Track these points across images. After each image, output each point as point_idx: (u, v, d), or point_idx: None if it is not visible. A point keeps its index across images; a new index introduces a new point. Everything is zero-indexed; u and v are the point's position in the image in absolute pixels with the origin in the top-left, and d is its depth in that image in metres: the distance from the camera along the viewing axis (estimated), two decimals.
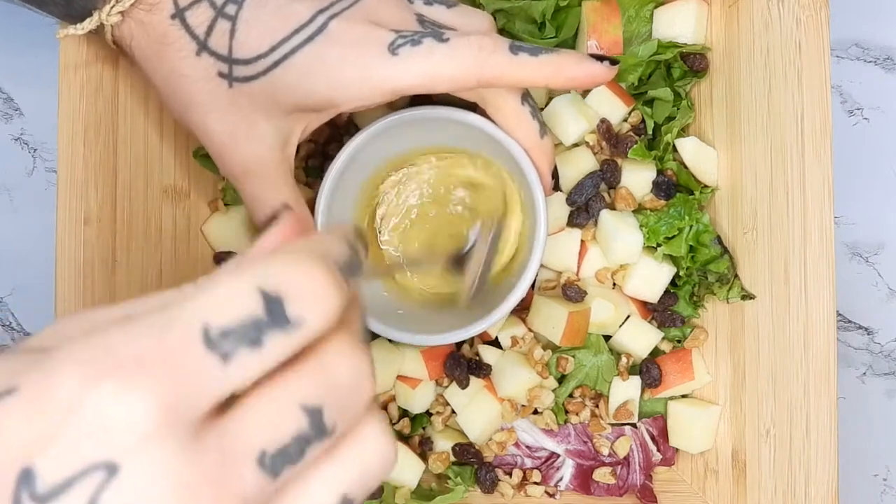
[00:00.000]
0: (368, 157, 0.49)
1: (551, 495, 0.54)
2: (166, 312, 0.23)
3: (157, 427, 0.22)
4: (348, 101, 0.43)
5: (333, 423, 0.24)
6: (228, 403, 0.23)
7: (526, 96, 0.47)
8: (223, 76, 0.43)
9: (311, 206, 0.48)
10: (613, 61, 0.44)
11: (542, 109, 0.53)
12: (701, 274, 0.53)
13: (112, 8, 0.44)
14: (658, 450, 0.55)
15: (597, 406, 0.54)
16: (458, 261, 0.49)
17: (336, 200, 0.48)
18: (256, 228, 0.48)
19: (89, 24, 0.45)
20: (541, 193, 0.47)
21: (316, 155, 0.55)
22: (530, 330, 0.54)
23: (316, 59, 0.42)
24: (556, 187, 0.51)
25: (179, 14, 0.44)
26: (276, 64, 0.43)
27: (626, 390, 0.54)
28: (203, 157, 0.53)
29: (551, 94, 0.54)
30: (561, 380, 0.54)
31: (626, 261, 0.53)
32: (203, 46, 0.43)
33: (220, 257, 0.54)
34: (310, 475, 0.24)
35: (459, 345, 0.54)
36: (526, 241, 0.50)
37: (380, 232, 0.53)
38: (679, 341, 0.55)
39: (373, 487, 0.26)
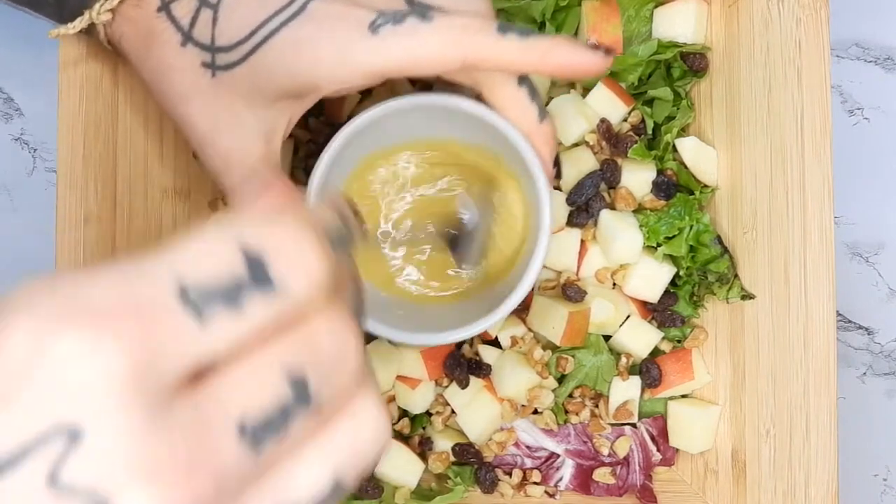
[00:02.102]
0: (357, 150, 0.48)
1: (551, 495, 0.54)
2: (138, 264, 0.21)
3: (126, 387, 0.20)
4: (329, 83, 0.42)
5: (319, 394, 0.22)
6: (203, 375, 0.21)
7: (524, 78, 0.45)
8: (206, 66, 0.43)
9: None
10: (608, 50, 0.42)
11: None
12: (701, 274, 0.53)
13: (101, 6, 0.44)
14: (658, 450, 0.55)
15: (597, 406, 0.54)
16: (454, 239, 0.47)
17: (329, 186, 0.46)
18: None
19: (80, 23, 0.45)
20: (544, 185, 0.45)
21: (315, 155, 0.54)
22: (530, 330, 0.54)
23: (295, 40, 0.41)
24: (559, 175, 0.49)
25: (165, 7, 0.43)
26: (255, 48, 0.42)
27: (625, 390, 0.54)
28: None
29: (551, 94, 0.54)
30: (561, 380, 0.54)
31: (626, 261, 0.53)
32: (188, 37, 0.43)
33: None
34: (298, 452, 0.23)
35: (459, 345, 0.54)
36: (529, 237, 0.49)
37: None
38: (679, 341, 0.55)
39: (366, 467, 0.24)
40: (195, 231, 0.22)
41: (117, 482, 0.19)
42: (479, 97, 0.46)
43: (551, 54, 0.41)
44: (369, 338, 0.48)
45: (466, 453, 0.53)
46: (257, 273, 0.21)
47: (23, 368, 0.19)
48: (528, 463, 0.55)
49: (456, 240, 0.48)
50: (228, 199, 0.45)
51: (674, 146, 0.54)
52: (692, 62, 0.54)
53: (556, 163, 0.47)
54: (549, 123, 0.46)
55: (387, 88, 0.53)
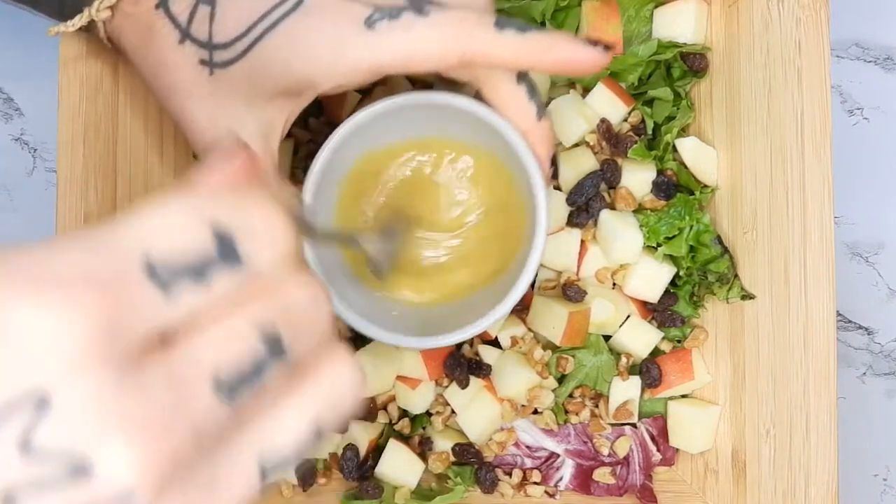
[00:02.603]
0: (354, 149, 0.47)
1: (551, 495, 0.54)
2: (106, 234, 0.21)
3: (92, 350, 0.19)
4: (326, 79, 0.41)
5: (290, 345, 0.23)
6: (173, 338, 0.21)
7: (523, 75, 0.44)
8: (204, 63, 0.43)
9: None
10: (607, 46, 0.41)
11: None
12: (701, 274, 0.53)
13: (101, 3, 0.44)
14: (658, 450, 0.55)
15: (597, 406, 0.54)
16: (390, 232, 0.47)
17: (321, 194, 0.46)
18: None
19: (79, 20, 0.45)
20: (540, 184, 0.45)
21: (315, 155, 0.54)
22: (530, 330, 0.54)
23: (291, 35, 0.41)
24: (556, 175, 0.48)
25: (163, 4, 0.43)
26: (252, 44, 0.41)
27: (626, 390, 0.54)
28: None
29: (552, 94, 0.54)
30: (561, 380, 0.54)
31: (626, 261, 0.53)
32: (185, 34, 0.43)
33: None
34: (277, 403, 0.23)
35: (459, 345, 0.54)
36: (525, 236, 0.48)
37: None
38: (679, 341, 0.55)
39: (343, 415, 0.25)
40: (163, 201, 0.22)
41: (94, 441, 0.19)
42: (478, 95, 0.45)
43: (550, 50, 0.40)
44: (366, 338, 0.47)
45: (466, 453, 0.53)
46: (226, 249, 0.22)
47: None
48: (528, 463, 0.55)
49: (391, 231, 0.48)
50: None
51: (674, 146, 0.54)
52: (692, 62, 0.54)
53: (554, 162, 0.47)
54: (546, 122, 0.45)
55: (386, 88, 0.53)
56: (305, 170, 0.53)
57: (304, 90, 0.42)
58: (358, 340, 0.51)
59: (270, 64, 0.41)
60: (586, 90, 0.54)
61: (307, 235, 0.25)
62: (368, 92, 0.53)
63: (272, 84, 0.42)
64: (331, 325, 0.24)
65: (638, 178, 0.53)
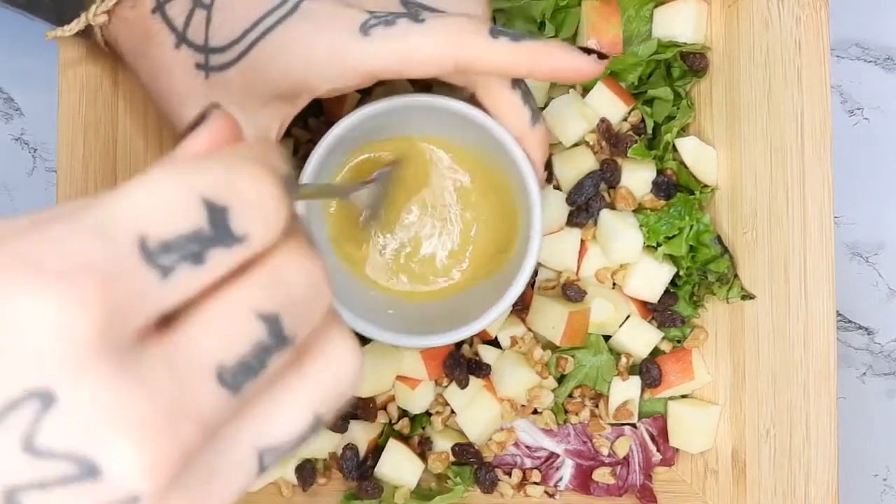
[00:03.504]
0: (348, 149, 0.47)
1: (551, 495, 0.54)
2: (95, 214, 0.20)
3: (93, 344, 0.19)
4: (322, 84, 0.41)
5: (293, 331, 0.22)
6: (171, 319, 0.21)
7: (518, 81, 0.45)
8: (200, 67, 0.43)
9: None
10: (602, 56, 0.41)
11: (542, 109, 0.53)
12: (701, 274, 0.53)
13: (97, 8, 0.44)
14: (658, 450, 0.55)
15: (596, 406, 0.54)
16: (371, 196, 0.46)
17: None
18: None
19: (76, 25, 0.45)
20: (535, 186, 0.45)
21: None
22: (530, 330, 0.54)
23: (287, 39, 0.41)
24: (550, 179, 0.49)
25: (160, 8, 0.43)
26: (248, 48, 0.41)
27: (625, 390, 0.54)
28: None
29: (551, 94, 0.54)
30: (561, 380, 0.54)
31: (626, 260, 0.53)
32: (182, 38, 0.43)
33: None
34: (277, 391, 0.23)
35: (459, 345, 0.54)
36: (521, 236, 0.48)
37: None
38: (679, 341, 0.55)
39: (343, 401, 0.24)
40: (151, 176, 0.21)
41: (100, 440, 0.19)
42: (473, 98, 0.46)
43: (544, 59, 0.41)
44: (364, 338, 0.47)
45: (466, 453, 0.53)
46: (220, 226, 0.21)
47: None
48: (528, 463, 0.55)
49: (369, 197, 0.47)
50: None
51: (674, 146, 0.54)
52: (692, 62, 0.54)
53: (548, 166, 0.47)
54: (541, 127, 0.46)
55: (386, 88, 0.53)
56: None
57: (299, 94, 0.42)
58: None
59: (266, 68, 0.42)
60: (586, 90, 0.54)
61: (294, 194, 0.24)
62: (368, 92, 0.53)
63: (268, 88, 0.42)
64: (330, 299, 0.24)
65: (638, 177, 0.53)
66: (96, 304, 0.19)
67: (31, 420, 0.19)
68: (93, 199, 0.21)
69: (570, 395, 0.54)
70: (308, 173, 0.45)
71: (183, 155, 0.24)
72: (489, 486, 0.53)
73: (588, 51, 0.41)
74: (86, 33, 0.46)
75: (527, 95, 0.45)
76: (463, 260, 0.50)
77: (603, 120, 0.54)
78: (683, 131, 0.55)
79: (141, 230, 0.20)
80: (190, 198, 0.21)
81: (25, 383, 0.19)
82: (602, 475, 0.54)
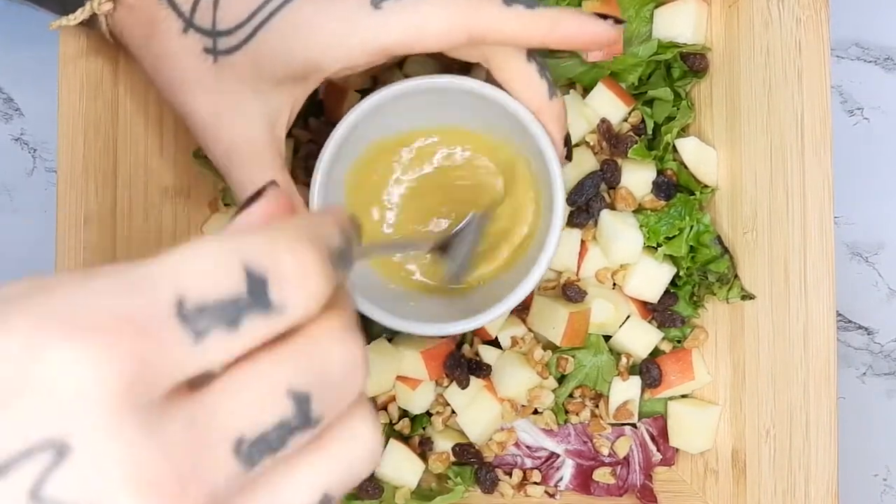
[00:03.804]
0: (362, 139, 0.47)
1: (551, 495, 0.54)
2: (138, 274, 0.20)
3: (118, 400, 0.19)
4: (333, 62, 0.41)
5: (321, 413, 0.22)
6: (199, 381, 0.21)
7: (532, 53, 0.43)
8: (208, 51, 0.42)
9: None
10: (619, 20, 0.41)
11: None
12: (701, 274, 0.53)
13: None
14: (658, 450, 0.55)
15: (597, 406, 0.54)
16: (444, 245, 0.46)
17: (331, 183, 0.46)
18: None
19: (81, 14, 0.44)
20: (555, 163, 0.44)
21: (315, 155, 0.54)
22: (530, 330, 0.54)
23: (296, 18, 0.41)
24: (570, 156, 0.48)
25: None
26: (257, 29, 0.41)
27: (626, 390, 0.54)
28: (203, 157, 0.53)
29: None
30: (561, 380, 0.54)
31: (627, 261, 0.53)
32: (189, 23, 0.42)
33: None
34: (290, 469, 0.22)
35: (459, 345, 0.54)
36: (542, 221, 0.47)
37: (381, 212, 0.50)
38: (679, 341, 0.55)
39: (355, 484, 0.24)
40: (197, 243, 0.21)
41: (106, 496, 0.19)
42: (489, 78, 0.45)
43: (559, 24, 0.40)
44: (368, 338, 0.47)
45: (466, 453, 0.53)
46: (258, 294, 0.21)
47: (14, 378, 0.19)
48: (528, 463, 0.55)
49: (446, 249, 0.46)
50: (234, 196, 0.44)
51: (674, 146, 0.54)
52: (692, 62, 0.54)
53: (567, 142, 0.46)
54: (559, 100, 0.45)
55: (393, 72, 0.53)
56: (306, 169, 0.54)
57: (310, 74, 0.42)
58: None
59: (276, 48, 0.41)
60: (586, 90, 0.54)
61: (345, 267, 0.24)
62: (369, 91, 0.53)
63: (278, 69, 0.42)
64: (365, 383, 0.23)
65: (638, 178, 0.53)
66: (126, 358, 0.19)
67: (43, 469, 0.19)
68: (140, 260, 0.21)
69: (571, 396, 0.54)
70: (320, 171, 0.45)
71: (236, 226, 0.24)
72: (489, 486, 0.53)
73: (604, 16, 0.41)
74: (90, 23, 0.45)
75: (543, 68, 0.44)
76: (486, 254, 0.50)
77: (603, 120, 0.54)
78: (683, 132, 0.55)
79: (180, 292, 0.20)
80: (231, 265, 0.21)
81: (44, 432, 0.19)
82: (602, 475, 0.54)
